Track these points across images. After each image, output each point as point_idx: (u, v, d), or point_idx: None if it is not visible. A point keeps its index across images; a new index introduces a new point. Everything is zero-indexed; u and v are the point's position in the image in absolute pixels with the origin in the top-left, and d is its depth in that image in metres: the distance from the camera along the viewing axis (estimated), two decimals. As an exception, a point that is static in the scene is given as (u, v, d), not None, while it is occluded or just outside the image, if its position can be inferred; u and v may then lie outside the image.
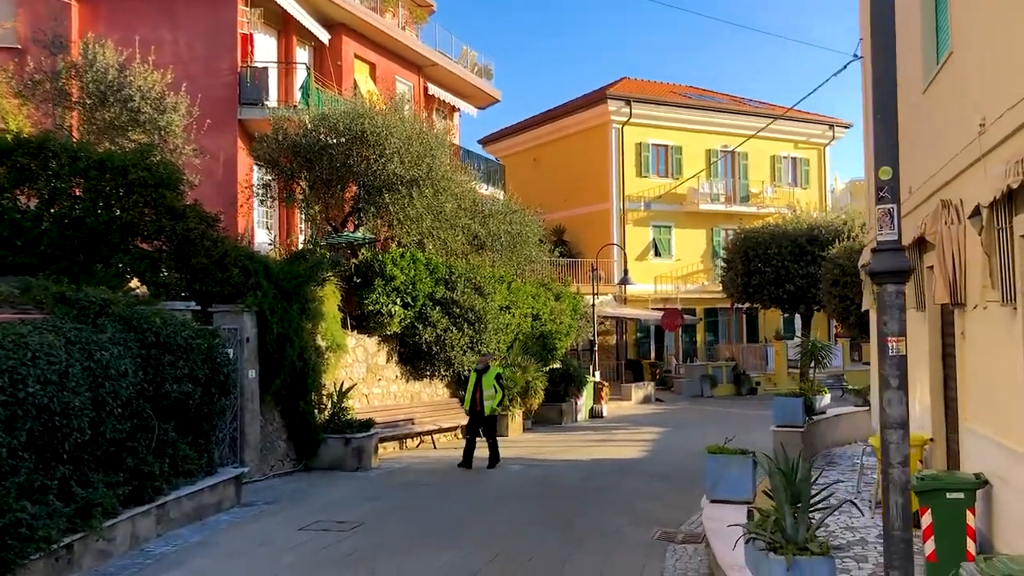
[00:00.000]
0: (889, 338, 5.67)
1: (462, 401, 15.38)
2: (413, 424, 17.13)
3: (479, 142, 43.80)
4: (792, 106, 26.53)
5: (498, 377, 14.90)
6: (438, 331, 17.54)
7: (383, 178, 15.58)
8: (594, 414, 24.51)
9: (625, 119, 36.53)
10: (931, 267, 9.14)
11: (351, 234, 16.00)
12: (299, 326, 13.64)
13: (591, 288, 28.13)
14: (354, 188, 16.37)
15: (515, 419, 19.50)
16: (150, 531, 9.01)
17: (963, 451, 8.37)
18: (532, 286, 22.38)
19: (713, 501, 8.63)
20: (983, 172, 7.08)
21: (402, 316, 16.91)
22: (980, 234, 6.90)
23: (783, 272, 28.93)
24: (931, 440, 9.49)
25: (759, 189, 39.26)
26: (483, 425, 14.74)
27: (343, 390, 14.68)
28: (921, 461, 9.45)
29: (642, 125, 37.02)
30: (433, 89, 28.93)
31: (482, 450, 14.63)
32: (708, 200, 37.61)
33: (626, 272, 26.60)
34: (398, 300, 16.68)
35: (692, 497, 11.44)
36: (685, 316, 32.94)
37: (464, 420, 18.31)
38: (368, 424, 14.52)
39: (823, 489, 7.16)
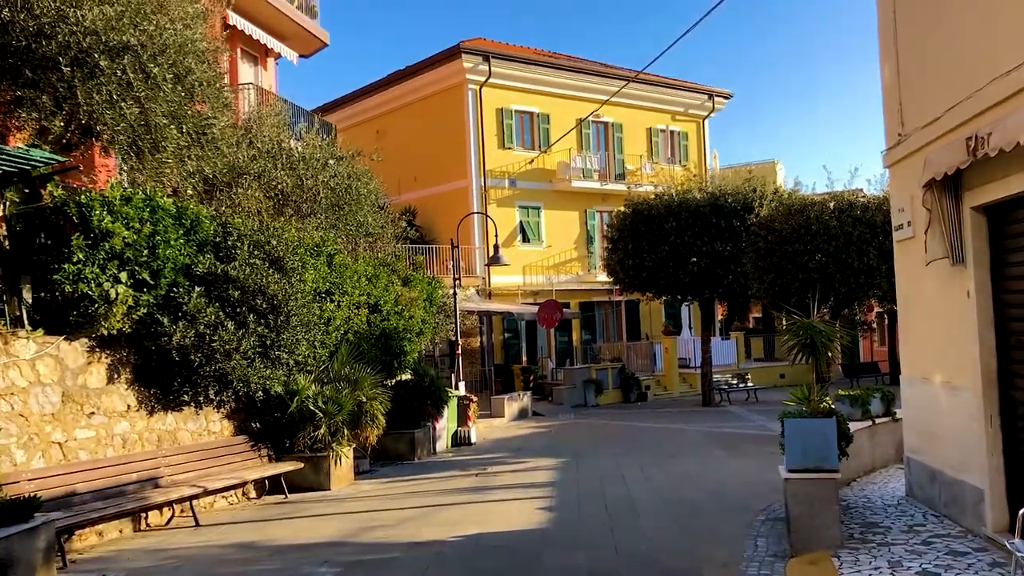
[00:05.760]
0: None
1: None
2: (157, 487, 10.08)
3: (311, 113, 36.49)
4: (678, 39, 21.23)
5: None
6: (200, 328, 10.54)
7: (63, 39, 8.36)
8: (460, 440, 18.07)
9: (483, 79, 30.42)
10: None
11: (20, 150, 8.66)
12: None
13: (451, 275, 21.70)
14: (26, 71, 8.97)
15: (341, 462, 12.72)
16: None
17: None
18: (368, 264, 15.66)
19: None
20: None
21: (132, 303, 9.84)
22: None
23: (683, 250, 23.49)
24: None
25: (636, 166, 34.18)
26: None
27: (-27, 444, 7.53)
28: None
29: (503, 87, 31.06)
30: (237, 20, 21.70)
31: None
32: (581, 176, 32.06)
33: (497, 248, 20.33)
34: (123, 275, 9.60)
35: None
36: (564, 310, 27.08)
37: (258, 472, 11.47)
38: (26, 507, 7.40)
39: None
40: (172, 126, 9.78)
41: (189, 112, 10.16)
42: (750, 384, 27.30)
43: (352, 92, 35.61)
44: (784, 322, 36.48)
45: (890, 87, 9.54)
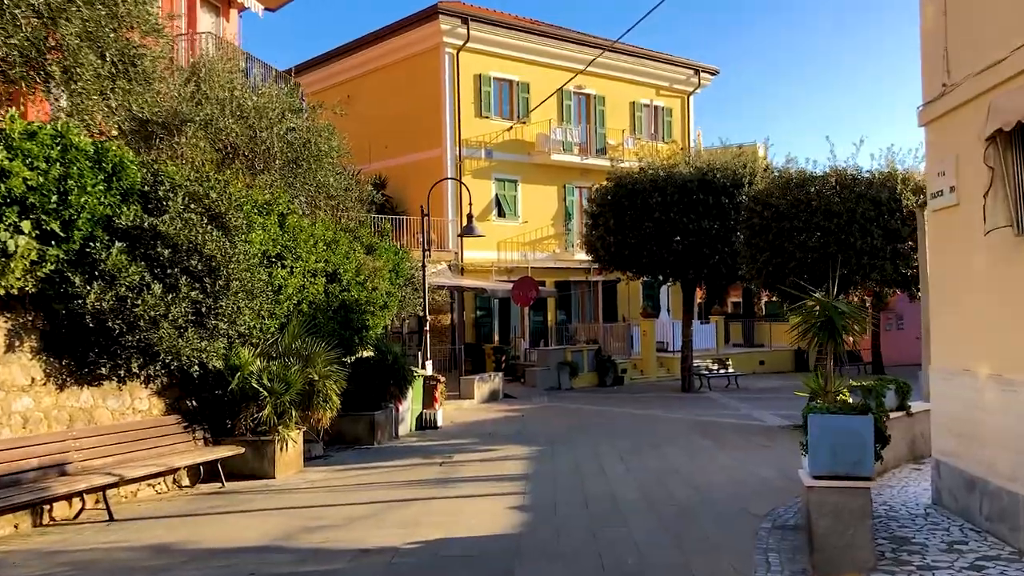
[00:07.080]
0: None
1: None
2: (64, 474, 8.59)
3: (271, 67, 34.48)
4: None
5: None
6: (121, 290, 9.03)
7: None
8: (425, 423, 16.68)
9: (461, 43, 28.83)
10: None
11: None
12: None
13: (421, 247, 20.22)
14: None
15: (288, 447, 11.27)
16: None
17: None
18: (327, 228, 14.16)
19: None
20: None
21: (36, 257, 8.31)
22: None
23: (668, 227, 22.18)
24: None
25: (617, 140, 32.72)
26: None
27: None
28: None
29: (482, 53, 29.49)
30: (194, -37, 19.96)
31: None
32: (560, 150, 30.60)
33: (471, 218, 18.89)
34: (25, 224, 8.06)
35: None
36: (540, 288, 25.71)
37: (190, 457, 10.01)
38: None
39: None
40: (89, 50, 8.21)
41: (112, 36, 8.59)
42: (731, 370, 26.18)
43: (323, 54, 33.81)
44: (764, 308, 35.34)
45: (933, 31, 8.22)
